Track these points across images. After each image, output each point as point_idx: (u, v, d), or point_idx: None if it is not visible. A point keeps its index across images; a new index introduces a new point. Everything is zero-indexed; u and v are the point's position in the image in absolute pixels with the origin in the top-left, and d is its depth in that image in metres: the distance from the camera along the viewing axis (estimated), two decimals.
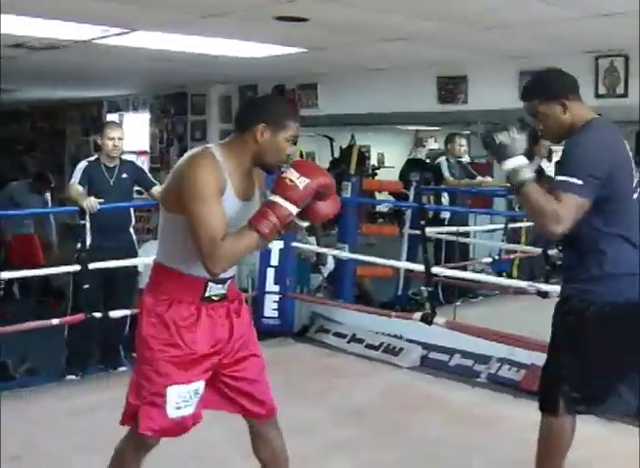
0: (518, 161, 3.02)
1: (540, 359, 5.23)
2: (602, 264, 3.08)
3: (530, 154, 3.12)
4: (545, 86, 3.22)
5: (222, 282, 2.96)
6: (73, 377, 5.81)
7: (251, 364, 3.08)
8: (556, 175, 3.06)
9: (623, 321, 3.10)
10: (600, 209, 3.00)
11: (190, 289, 2.91)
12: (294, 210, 2.77)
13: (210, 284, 2.91)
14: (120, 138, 6.00)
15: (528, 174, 2.99)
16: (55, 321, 5.48)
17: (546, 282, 6.09)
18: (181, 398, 2.88)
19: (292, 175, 2.77)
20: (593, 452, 4.27)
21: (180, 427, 2.93)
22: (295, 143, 3.10)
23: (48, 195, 10.04)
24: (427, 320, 5.64)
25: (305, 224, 2.98)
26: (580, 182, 2.90)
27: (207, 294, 2.93)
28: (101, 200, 5.65)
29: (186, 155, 2.90)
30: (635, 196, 3.15)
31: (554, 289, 5.56)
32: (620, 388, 3.18)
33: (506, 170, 3.05)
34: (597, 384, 3.18)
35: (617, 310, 3.08)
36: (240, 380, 3.05)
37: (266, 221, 2.73)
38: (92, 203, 5.58)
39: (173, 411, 2.87)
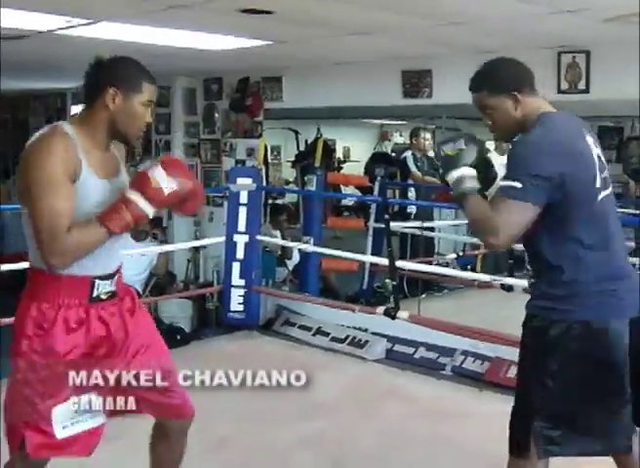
0: (461, 172, 2.76)
1: (503, 352, 5.32)
2: (559, 278, 2.75)
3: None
4: (496, 77, 2.88)
5: (110, 277, 2.72)
6: None
7: (154, 364, 2.77)
8: None
9: (582, 343, 2.72)
10: (555, 215, 2.69)
11: (76, 290, 2.62)
12: (151, 212, 2.56)
13: (97, 282, 2.66)
14: None
15: (470, 184, 2.74)
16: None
17: (510, 275, 6.13)
18: (68, 416, 2.62)
19: (159, 175, 2.53)
20: (506, 427, 4.34)
21: (75, 446, 2.65)
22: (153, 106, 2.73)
23: None
24: (390, 314, 5.65)
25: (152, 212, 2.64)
26: (519, 185, 2.60)
27: (95, 294, 2.66)
28: None
29: (33, 136, 2.60)
30: (602, 195, 2.78)
31: (518, 282, 5.61)
32: (593, 424, 2.76)
33: (450, 181, 2.79)
34: (568, 419, 2.75)
35: (578, 330, 2.72)
36: (143, 383, 2.72)
37: (119, 219, 2.51)
38: None
39: (60, 432, 2.60)
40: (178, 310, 7.82)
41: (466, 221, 8.56)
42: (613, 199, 2.88)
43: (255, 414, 4.36)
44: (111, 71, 2.62)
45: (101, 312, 2.68)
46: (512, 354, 5.25)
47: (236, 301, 6.75)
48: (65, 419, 2.61)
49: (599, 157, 2.81)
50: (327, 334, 6.38)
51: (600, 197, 2.77)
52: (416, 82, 7.10)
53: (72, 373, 2.59)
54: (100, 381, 2.64)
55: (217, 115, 9.19)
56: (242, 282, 6.76)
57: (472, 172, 2.78)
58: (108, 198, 2.58)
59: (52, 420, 2.58)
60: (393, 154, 13.59)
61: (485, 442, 4.42)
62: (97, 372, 2.63)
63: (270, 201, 9.56)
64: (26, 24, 5.59)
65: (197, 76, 9.27)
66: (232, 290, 6.78)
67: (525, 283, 5.66)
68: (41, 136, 2.56)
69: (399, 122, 14.96)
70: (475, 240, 8.54)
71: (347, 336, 6.22)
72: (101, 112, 2.61)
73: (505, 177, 2.68)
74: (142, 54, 7.04)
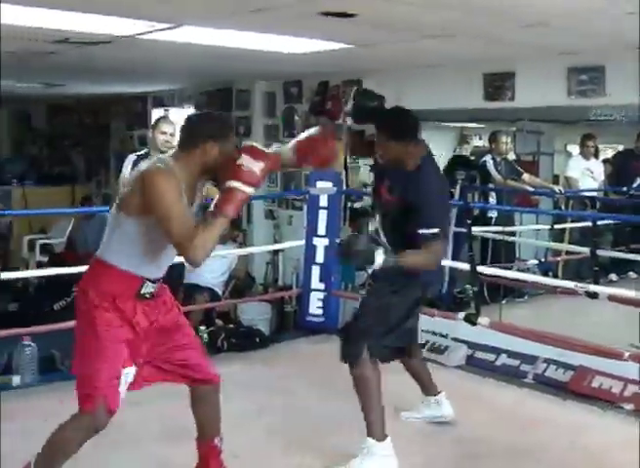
0: (379, 258, 3.78)
1: (587, 360, 5.19)
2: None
3: None
4: (397, 130, 3.99)
5: (156, 282, 3.27)
6: None
7: (186, 345, 3.42)
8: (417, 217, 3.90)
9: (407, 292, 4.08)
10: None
11: (129, 286, 3.19)
12: (251, 191, 3.09)
13: (145, 282, 3.21)
14: (172, 134, 6.04)
15: (390, 259, 3.83)
16: None
17: (595, 283, 5.98)
18: (127, 378, 3.19)
19: (246, 160, 3.07)
20: (592, 441, 4.42)
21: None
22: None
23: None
24: (471, 320, 5.57)
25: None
26: (437, 231, 3.85)
27: (142, 292, 3.21)
28: None
29: (147, 167, 3.10)
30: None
31: (603, 290, 5.48)
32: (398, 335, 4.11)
33: (378, 268, 3.82)
34: (388, 335, 4.05)
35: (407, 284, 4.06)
36: (175, 360, 3.39)
37: (232, 204, 3.05)
38: None
39: (123, 390, 3.18)
40: (256, 313, 7.85)
41: (548, 227, 8.48)
42: None
43: (327, 416, 4.34)
44: (208, 126, 3.19)
45: (145, 307, 3.25)
46: (597, 363, 5.15)
47: (315, 305, 6.74)
48: (127, 380, 3.19)
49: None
50: None
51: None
52: (498, 85, 7.00)
53: (132, 347, 3.19)
54: (139, 359, 3.26)
55: (296, 118, 9.20)
56: (321, 285, 6.74)
57: (381, 253, 3.81)
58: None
59: (121, 379, 3.15)
60: (472, 158, 13.47)
61: (569, 453, 4.33)
62: (139, 350, 3.23)
63: (349, 204, 9.53)
64: (111, 30, 5.67)
65: (277, 79, 9.30)
66: (311, 293, 6.77)
67: (611, 290, 5.59)
68: (157, 168, 3.08)
69: (479, 125, 14.82)
70: (559, 245, 8.45)
71: (427, 342, 6.11)
72: (199, 158, 3.16)
73: (423, 226, 3.87)
74: (223, 57, 7.17)
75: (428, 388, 4.70)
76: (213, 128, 3.19)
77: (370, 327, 4.05)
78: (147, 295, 3.24)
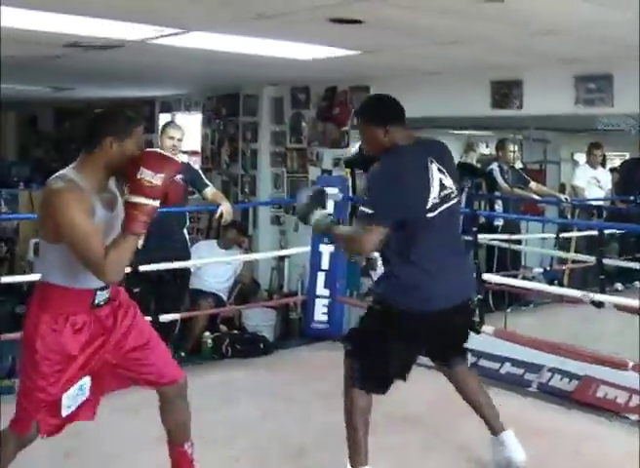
0: (317, 216, 3.82)
1: (592, 370, 5.17)
2: (393, 280, 3.74)
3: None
4: (374, 113, 3.85)
5: (106, 288, 3.24)
6: None
7: (144, 345, 3.38)
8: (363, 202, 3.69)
9: (395, 323, 3.67)
10: (394, 236, 3.64)
11: (82, 300, 3.18)
12: (157, 203, 3.07)
13: (97, 292, 3.21)
14: (180, 140, 6.06)
15: (322, 223, 3.83)
16: None
17: (602, 292, 5.95)
18: (71, 398, 3.19)
19: (147, 175, 3.01)
20: (596, 451, 4.42)
21: (77, 416, 3.27)
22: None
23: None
24: (475, 329, 5.55)
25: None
26: (371, 212, 3.54)
27: (96, 302, 3.21)
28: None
29: (47, 191, 3.05)
30: (433, 214, 3.62)
31: (609, 299, 5.46)
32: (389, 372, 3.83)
33: (312, 226, 3.85)
34: (376, 369, 3.79)
35: (396, 315, 3.67)
36: (136, 361, 3.36)
37: (137, 221, 3.04)
38: None
39: (65, 411, 3.19)
40: (261, 319, 7.84)
41: (554, 235, 8.46)
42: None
43: (333, 426, 4.33)
44: (106, 123, 3.14)
45: (99, 314, 3.25)
46: (602, 373, 5.13)
47: (320, 311, 6.73)
48: (69, 401, 3.19)
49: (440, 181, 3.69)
50: None
51: (432, 214, 3.62)
52: (505, 92, 6.99)
53: (78, 365, 3.17)
54: (92, 368, 3.23)
55: (303, 124, 9.20)
56: (326, 292, 6.73)
57: (325, 212, 3.91)
58: (110, 226, 3.16)
59: (61, 405, 3.16)
60: (479, 165, 13.46)
61: (573, 463, 4.31)
62: (90, 361, 3.21)
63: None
64: (119, 34, 5.67)
65: (285, 85, 9.30)
66: (316, 300, 6.76)
67: (616, 299, 5.56)
68: (57, 190, 3.01)
69: (486, 133, 14.82)
70: (565, 254, 8.42)
71: None
72: (102, 158, 3.11)
73: (366, 205, 3.61)
74: (231, 63, 7.17)
75: (488, 425, 4.20)
76: (111, 124, 3.12)
77: (357, 355, 3.82)
78: (102, 303, 3.25)
